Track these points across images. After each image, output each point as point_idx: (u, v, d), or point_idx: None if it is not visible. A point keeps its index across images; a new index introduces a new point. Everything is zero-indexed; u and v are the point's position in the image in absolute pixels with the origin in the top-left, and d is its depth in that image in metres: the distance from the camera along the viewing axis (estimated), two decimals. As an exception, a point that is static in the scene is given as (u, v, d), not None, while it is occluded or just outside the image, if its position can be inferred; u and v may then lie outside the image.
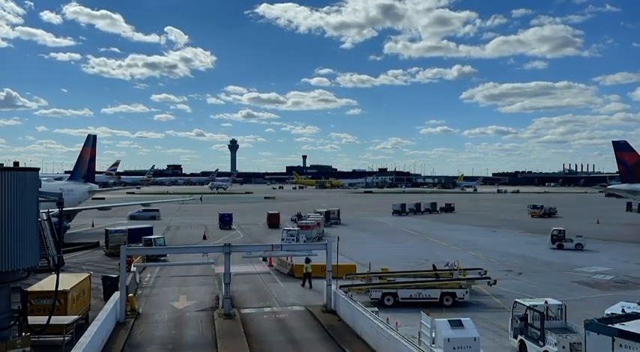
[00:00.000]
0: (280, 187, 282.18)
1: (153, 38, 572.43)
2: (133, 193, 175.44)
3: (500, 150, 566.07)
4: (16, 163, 18.91)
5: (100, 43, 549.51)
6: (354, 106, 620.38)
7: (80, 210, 68.19)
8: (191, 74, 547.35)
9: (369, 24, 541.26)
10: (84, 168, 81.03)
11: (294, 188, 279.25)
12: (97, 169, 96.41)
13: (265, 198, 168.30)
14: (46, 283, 26.88)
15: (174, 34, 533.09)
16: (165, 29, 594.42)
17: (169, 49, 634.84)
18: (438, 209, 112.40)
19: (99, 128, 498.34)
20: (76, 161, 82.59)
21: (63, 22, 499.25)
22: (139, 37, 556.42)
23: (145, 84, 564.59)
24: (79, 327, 24.36)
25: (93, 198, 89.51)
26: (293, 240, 52.71)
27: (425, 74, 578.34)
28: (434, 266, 38.71)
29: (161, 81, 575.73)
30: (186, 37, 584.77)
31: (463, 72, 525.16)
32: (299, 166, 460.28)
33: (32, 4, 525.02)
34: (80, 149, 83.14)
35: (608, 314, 23.70)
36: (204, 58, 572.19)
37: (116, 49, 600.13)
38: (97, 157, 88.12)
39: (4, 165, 18.09)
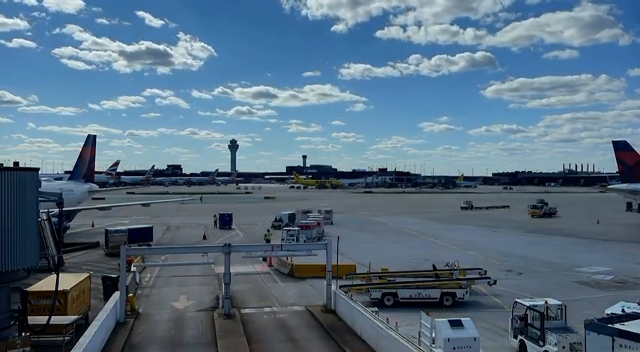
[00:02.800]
0: (298, 187, 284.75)
1: (124, 24, 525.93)
2: (133, 193, 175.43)
3: (504, 149, 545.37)
4: (16, 163, 18.93)
5: (55, 25, 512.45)
6: (355, 102, 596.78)
7: (80, 210, 68.18)
8: (180, 67, 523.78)
9: (368, 2, 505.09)
10: (84, 168, 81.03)
11: (292, 187, 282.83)
12: (96, 169, 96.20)
13: (265, 198, 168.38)
14: (46, 283, 26.87)
15: (149, 20, 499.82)
16: (137, 14, 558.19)
17: (149, 38, 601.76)
18: None
19: (88, 126, 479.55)
20: (75, 161, 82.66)
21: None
22: (105, 22, 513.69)
23: (131, 77, 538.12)
24: (79, 327, 24.35)
25: (93, 198, 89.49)
26: (293, 239, 52.73)
27: (432, 65, 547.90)
28: (434, 266, 38.72)
29: (148, 74, 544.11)
30: (162, 22, 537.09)
31: (474, 63, 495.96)
32: (299, 166, 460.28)
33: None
34: (80, 149, 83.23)
35: (608, 314, 23.72)
36: (191, 48, 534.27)
37: (83, 35, 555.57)
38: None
39: (4, 165, 18.10)
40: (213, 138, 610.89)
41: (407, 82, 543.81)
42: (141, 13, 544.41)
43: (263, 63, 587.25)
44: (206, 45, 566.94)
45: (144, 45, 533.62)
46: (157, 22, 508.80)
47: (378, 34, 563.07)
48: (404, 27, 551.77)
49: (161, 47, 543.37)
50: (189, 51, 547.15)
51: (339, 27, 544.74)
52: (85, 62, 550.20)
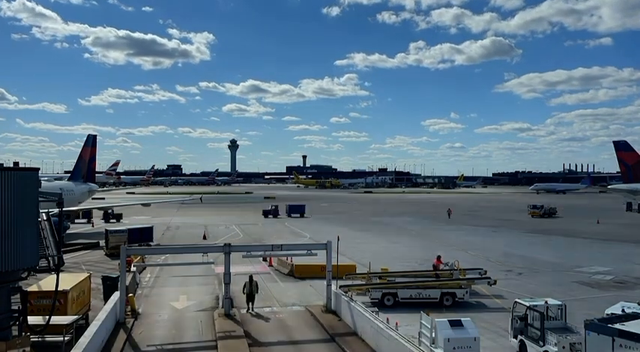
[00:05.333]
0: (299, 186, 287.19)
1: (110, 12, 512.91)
2: (133, 193, 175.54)
3: (510, 148, 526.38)
4: (16, 163, 18.93)
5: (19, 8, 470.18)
6: (356, 97, 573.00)
7: (80, 210, 68.20)
8: (167, 60, 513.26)
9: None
10: (84, 168, 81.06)
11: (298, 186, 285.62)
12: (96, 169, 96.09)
13: (265, 198, 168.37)
14: (46, 283, 26.85)
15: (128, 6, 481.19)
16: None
17: (131, 27, 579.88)
18: None
19: (78, 125, 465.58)
20: (76, 161, 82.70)
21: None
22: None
23: (123, 71, 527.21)
24: (79, 327, 24.34)
25: (93, 198, 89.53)
26: None
27: (439, 55, 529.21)
28: (434, 266, 38.72)
29: (135, 69, 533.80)
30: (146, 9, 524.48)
31: (483, 54, 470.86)
32: (299, 166, 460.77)
33: None
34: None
35: (608, 314, 23.70)
36: (177, 42, 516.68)
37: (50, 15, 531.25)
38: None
39: (4, 165, 18.08)
40: (209, 137, 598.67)
41: (411, 75, 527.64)
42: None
43: (257, 55, 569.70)
44: (192, 35, 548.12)
45: (130, 36, 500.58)
46: (133, 8, 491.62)
47: (378, 18, 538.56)
48: (405, 10, 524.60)
49: (147, 38, 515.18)
50: (176, 44, 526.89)
51: (333, 10, 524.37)
52: (63, 52, 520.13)
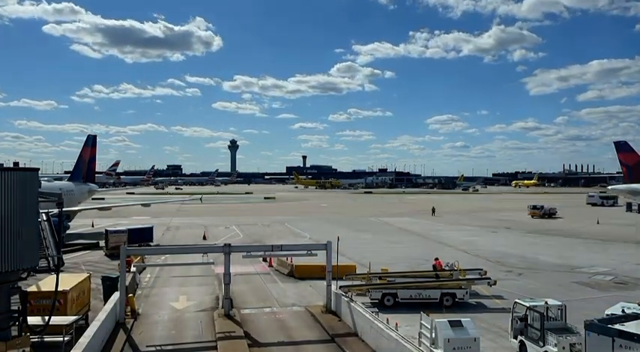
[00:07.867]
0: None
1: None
2: (133, 193, 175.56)
3: (511, 148, 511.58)
4: (15, 163, 18.93)
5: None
6: (357, 95, 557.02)
7: (80, 210, 68.20)
8: (161, 52, 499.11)
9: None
10: (84, 169, 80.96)
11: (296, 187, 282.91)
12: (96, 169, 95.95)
13: (265, 198, 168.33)
14: (46, 283, 26.84)
15: None
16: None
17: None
18: None
19: (68, 124, 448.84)
20: (76, 161, 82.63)
21: None
22: None
23: (117, 67, 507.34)
24: (79, 327, 24.35)
25: (93, 198, 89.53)
26: None
27: (447, 46, 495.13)
28: (434, 266, 38.70)
29: (126, 64, 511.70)
30: None
31: (493, 46, 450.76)
32: (299, 166, 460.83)
33: None
34: (80, 149, 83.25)
35: (608, 315, 23.67)
36: (166, 30, 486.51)
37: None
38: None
39: (4, 165, 18.08)
40: (203, 136, 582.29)
41: (413, 69, 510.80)
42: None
43: (252, 50, 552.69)
44: (181, 26, 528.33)
45: (115, 26, 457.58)
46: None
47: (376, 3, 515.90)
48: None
49: (133, 29, 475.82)
50: (165, 36, 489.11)
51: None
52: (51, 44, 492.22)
